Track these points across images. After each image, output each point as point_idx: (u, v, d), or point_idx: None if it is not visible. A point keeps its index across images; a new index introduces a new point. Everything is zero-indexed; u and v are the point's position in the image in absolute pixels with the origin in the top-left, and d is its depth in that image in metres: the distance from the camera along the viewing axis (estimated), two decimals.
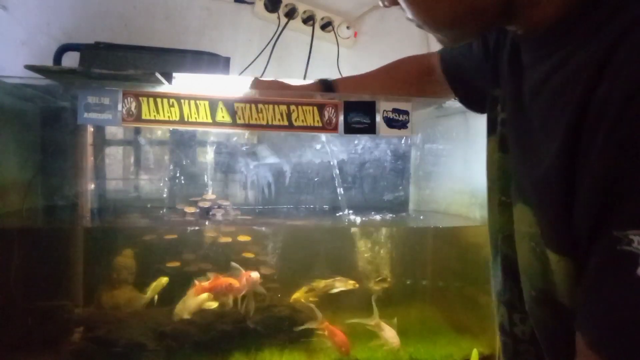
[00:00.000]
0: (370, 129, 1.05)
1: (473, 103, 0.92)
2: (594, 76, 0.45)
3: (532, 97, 0.56)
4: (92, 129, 1.48)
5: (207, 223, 1.51)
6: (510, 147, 0.64)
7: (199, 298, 1.33)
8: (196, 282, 1.37)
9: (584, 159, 0.46)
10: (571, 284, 0.51)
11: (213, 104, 1.00)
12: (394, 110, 1.07)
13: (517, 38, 0.61)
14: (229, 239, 1.50)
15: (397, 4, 0.56)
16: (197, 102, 1.00)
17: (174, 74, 1.05)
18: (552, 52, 0.53)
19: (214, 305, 1.35)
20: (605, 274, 0.44)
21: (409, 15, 0.55)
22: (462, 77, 0.91)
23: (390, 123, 1.07)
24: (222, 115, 1.01)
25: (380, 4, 0.58)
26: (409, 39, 1.75)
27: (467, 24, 0.55)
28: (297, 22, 1.65)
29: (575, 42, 0.50)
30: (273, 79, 1.18)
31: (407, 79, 1.04)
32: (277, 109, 1.03)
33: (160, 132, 1.61)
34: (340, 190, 1.62)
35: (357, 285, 1.50)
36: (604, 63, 0.45)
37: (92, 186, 1.50)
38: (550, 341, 0.60)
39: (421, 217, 1.76)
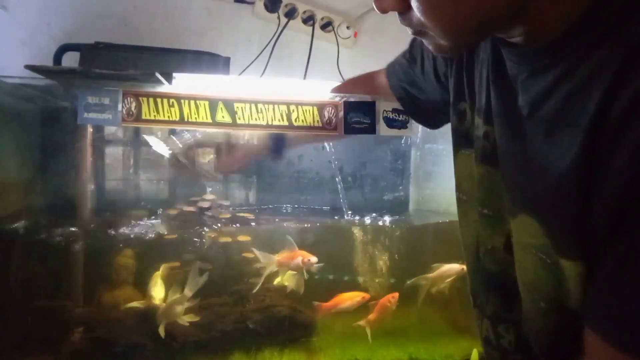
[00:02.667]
0: (370, 129, 1.05)
1: (423, 119, 0.96)
2: (614, 81, 0.45)
3: (532, 109, 0.56)
4: (92, 129, 1.47)
5: (205, 223, 1.51)
6: (502, 161, 0.62)
7: (176, 308, 1.31)
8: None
9: (605, 161, 0.46)
10: (587, 289, 0.51)
11: (213, 104, 1.00)
12: (394, 110, 1.07)
13: (507, 50, 0.59)
14: (228, 239, 1.50)
15: (398, 9, 0.54)
16: (197, 102, 1.00)
17: (174, 74, 1.05)
18: (556, 63, 0.52)
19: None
20: (626, 270, 0.44)
21: (422, 20, 0.52)
22: (413, 96, 0.93)
23: (390, 123, 1.07)
24: (222, 115, 1.01)
25: (377, 9, 0.55)
26: (408, 39, 1.75)
27: (480, 29, 0.54)
28: (297, 22, 1.65)
29: (581, 51, 0.49)
30: (274, 79, 1.19)
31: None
32: (277, 109, 1.03)
33: (160, 132, 1.61)
34: (341, 191, 1.62)
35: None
36: (623, 68, 0.44)
37: (92, 186, 1.50)
38: (551, 347, 0.59)
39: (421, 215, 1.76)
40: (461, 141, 0.73)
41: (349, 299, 1.42)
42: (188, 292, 1.30)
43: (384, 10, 0.54)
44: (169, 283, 1.37)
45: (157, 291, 1.35)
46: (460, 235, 0.75)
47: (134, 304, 1.35)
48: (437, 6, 0.50)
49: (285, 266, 1.38)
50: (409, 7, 0.52)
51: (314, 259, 1.36)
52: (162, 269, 1.40)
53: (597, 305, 0.47)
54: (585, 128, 0.47)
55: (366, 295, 1.43)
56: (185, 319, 1.30)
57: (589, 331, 0.47)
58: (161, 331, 1.27)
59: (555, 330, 0.58)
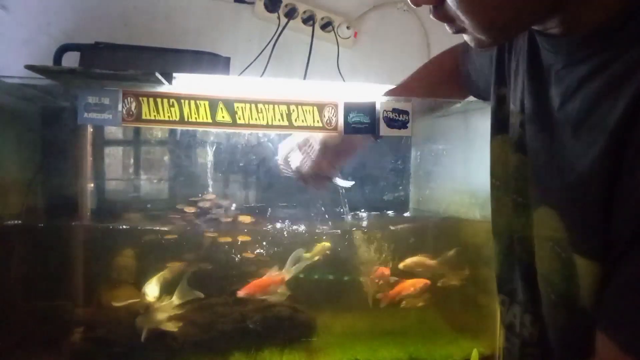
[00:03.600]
0: (370, 129, 1.05)
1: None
2: None
3: (563, 101, 0.55)
4: (92, 129, 1.48)
5: (206, 223, 1.51)
6: (531, 150, 0.62)
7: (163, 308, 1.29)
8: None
9: (631, 166, 0.45)
10: (598, 289, 0.50)
11: (213, 104, 1.00)
12: (394, 110, 1.07)
13: (543, 39, 0.59)
14: (228, 239, 1.50)
15: (432, 2, 0.53)
16: (197, 102, 1.00)
17: (174, 74, 1.05)
18: (592, 54, 0.51)
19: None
20: None
21: (458, 14, 0.51)
22: (481, 75, 0.91)
23: (390, 123, 1.07)
24: (222, 115, 1.01)
25: (411, 3, 0.54)
26: (409, 39, 1.75)
27: (517, 23, 0.53)
28: (297, 22, 1.65)
29: (619, 46, 0.48)
30: (274, 79, 1.18)
31: (451, 76, 1.02)
32: (277, 109, 1.03)
33: (160, 132, 1.61)
34: (341, 191, 1.62)
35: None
36: None
37: (92, 186, 1.50)
38: (564, 344, 0.59)
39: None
40: (498, 126, 0.72)
41: (412, 285, 1.43)
42: (176, 299, 1.29)
43: (418, 4, 0.53)
44: (168, 283, 1.36)
45: (151, 291, 1.34)
46: (491, 220, 0.75)
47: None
48: (474, 0, 0.49)
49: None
50: (443, 0, 0.51)
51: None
52: (167, 270, 1.39)
53: (612, 311, 0.47)
54: (612, 127, 0.46)
55: (428, 282, 1.44)
56: (168, 325, 1.28)
57: (601, 335, 0.47)
58: (143, 337, 1.25)
59: (565, 325, 0.58)
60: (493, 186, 0.75)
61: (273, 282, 1.35)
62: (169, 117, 0.99)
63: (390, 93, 1.07)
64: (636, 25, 0.47)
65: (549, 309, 0.60)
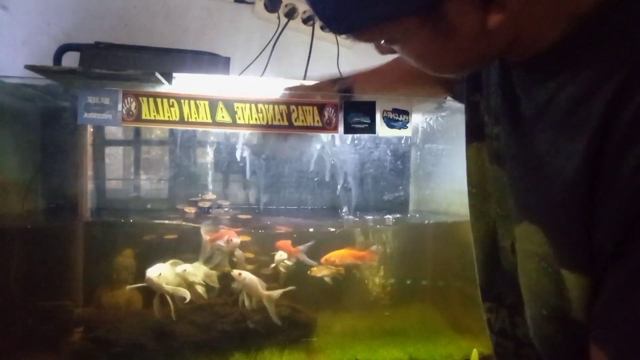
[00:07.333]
0: (370, 129, 1.05)
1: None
2: (618, 94, 0.44)
3: (535, 116, 0.55)
4: (92, 129, 1.47)
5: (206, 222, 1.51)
6: (508, 165, 0.62)
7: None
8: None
9: (610, 177, 0.45)
10: (589, 301, 0.50)
11: (213, 104, 1.01)
12: (394, 110, 1.07)
13: (508, 60, 0.60)
14: None
15: (395, 53, 0.59)
16: (197, 102, 1.00)
17: (174, 74, 1.05)
18: (557, 72, 0.52)
19: None
20: (630, 292, 0.44)
21: (412, 64, 0.58)
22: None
23: (390, 123, 1.07)
24: (222, 115, 1.01)
25: (377, 52, 0.61)
26: None
27: (471, 66, 0.59)
28: (297, 22, 1.65)
29: (581, 61, 0.49)
30: (274, 79, 1.18)
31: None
32: (277, 109, 1.03)
33: (160, 132, 1.61)
34: (341, 191, 1.62)
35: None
36: (629, 77, 0.44)
37: (92, 186, 1.50)
38: (555, 355, 0.59)
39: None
40: (473, 133, 0.72)
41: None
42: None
43: (383, 53, 0.62)
44: None
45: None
46: (471, 227, 0.74)
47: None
48: (425, 60, 0.57)
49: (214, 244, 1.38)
50: None
51: (236, 239, 1.36)
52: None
53: (602, 324, 0.47)
54: (589, 136, 0.46)
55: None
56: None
57: (595, 348, 0.47)
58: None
59: (556, 339, 0.57)
60: (470, 194, 0.74)
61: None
62: (169, 117, 0.99)
63: (358, 76, 1.03)
64: (598, 37, 0.48)
65: (540, 324, 0.59)
